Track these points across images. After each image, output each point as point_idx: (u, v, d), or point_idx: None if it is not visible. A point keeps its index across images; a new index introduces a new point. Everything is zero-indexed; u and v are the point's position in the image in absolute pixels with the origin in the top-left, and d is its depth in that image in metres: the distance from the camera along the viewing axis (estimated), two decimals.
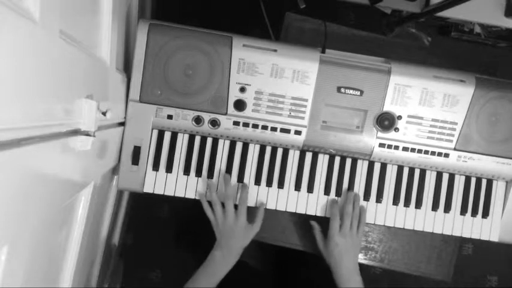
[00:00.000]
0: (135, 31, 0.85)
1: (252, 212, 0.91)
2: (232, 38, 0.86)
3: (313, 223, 0.95)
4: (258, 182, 0.91)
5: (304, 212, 0.93)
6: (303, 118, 0.89)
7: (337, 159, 0.93)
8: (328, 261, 0.90)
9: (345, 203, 0.91)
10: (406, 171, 0.94)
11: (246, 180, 0.91)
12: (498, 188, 0.96)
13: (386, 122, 0.89)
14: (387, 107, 0.89)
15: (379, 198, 0.93)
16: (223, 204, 0.88)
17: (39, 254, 0.55)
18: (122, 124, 0.87)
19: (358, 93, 0.88)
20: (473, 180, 0.95)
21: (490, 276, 1.81)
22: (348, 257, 0.88)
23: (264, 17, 1.03)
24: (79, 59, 0.56)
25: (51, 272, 0.65)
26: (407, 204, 0.94)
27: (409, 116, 0.89)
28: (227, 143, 0.91)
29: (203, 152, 0.91)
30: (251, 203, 0.92)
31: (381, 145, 0.90)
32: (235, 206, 0.89)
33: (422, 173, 0.94)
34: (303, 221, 1.01)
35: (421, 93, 0.88)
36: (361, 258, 1.04)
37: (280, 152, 0.92)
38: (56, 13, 0.46)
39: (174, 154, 0.90)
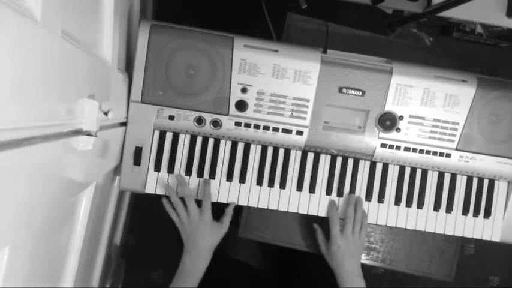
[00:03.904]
0: (136, 31, 0.85)
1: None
2: (233, 38, 0.86)
3: (316, 226, 0.95)
4: (260, 182, 0.91)
5: (306, 213, 0.92)
6: (304, 118, 0.89)
7: (339, 160, 0.93)
8: (331, 264, 0.90)
9: (347, 205, 0.91)
10: (408, 171, 0.94)
11: (248, 180, 0.91)
12: (500, 188, 0.95)
13: (388, 122, 0.89)
14: (389, 107, 0.89)
15: (381, 199, 0.93)
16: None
17: (41, 254, 0.55)
18: (124, 124, 0.87)
19: (360, 93, 0.88)
20: (475, 180, 0.95)
21: (492, 277, 1.80)
22: (350, 260, 0.87)
23: (266, 17, 1.03)
24: (80, 59, 0.56)
25: (52, 272, 0.65)
26: (409, 204, 0.93)
27: (410, 116, 0.89)
28: (229, 143, 0.91)
29: (205, 153, 0.90)
30: (252, 203, 0.92)
31: (383, 145, 0.90)
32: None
33: (424, 173, 0.94)
34: (305, 222, 1.01)
35: (422, 93, 0.88)
36: (363, 259, 1.03)
37: (282, 152, 0.92)
38: (58, 13, 0.46)
39: (175, 155, 0.90)
